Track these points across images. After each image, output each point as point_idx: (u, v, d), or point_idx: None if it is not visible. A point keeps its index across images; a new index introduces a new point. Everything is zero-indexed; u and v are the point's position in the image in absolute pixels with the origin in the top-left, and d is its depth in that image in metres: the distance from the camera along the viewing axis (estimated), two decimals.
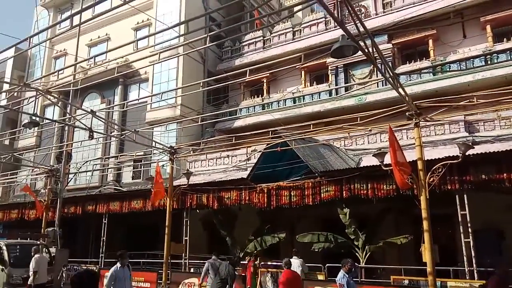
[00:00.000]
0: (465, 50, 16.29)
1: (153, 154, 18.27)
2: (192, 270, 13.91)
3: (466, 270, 9.48)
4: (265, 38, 22.56)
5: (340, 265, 7.43)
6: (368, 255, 11.81)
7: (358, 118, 10.81)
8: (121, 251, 7.95)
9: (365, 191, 10.89)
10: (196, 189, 14.37)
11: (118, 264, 7.83)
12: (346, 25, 5.68)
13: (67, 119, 19.18)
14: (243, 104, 21.45)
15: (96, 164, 21.91)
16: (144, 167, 20.91)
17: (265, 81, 21.02)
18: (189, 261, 14.27)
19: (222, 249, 15.63)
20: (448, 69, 16.44)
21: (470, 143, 9.76)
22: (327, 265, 11.29)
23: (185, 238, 14.26)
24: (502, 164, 9.47)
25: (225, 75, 15.75)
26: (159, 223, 15.81)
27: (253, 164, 14.01)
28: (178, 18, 21.62)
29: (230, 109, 20.65)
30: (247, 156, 16.72)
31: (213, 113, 19.46)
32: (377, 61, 7.53)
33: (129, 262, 8.20)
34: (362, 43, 6.09)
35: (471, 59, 15.82)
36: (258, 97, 21.59)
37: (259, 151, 13.96)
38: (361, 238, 11.79)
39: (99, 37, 26.09)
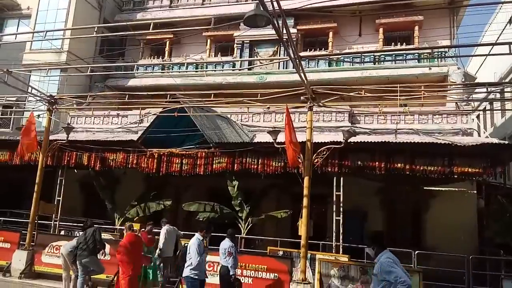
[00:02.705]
0: (359, 47, 17.71)
1: (28, 101, 16.02)
2: (62, 232, 12.79)
3: (333, 245, 10.54)
4: None
5: (226, 234, 7.65)
6: (249, 226, 12.29)
7: (259, 94, 10.96)
8: (207, 225, 7.28)
9: (255, 166, 11.23)
10: (77, 146, 13.09)
11: (199, 236, 6.96)
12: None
13: None
14: (141, 63, 20.09)
15: None
16: (15, 115, 18.25)
17: (168, 42, 19.96)
18: (60, 223, 13.08)
19: (101, 213, 14.73)
20: (342, 63, 17.73)
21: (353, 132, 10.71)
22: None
23: (58, 198, 13.00)
24: (376, 154, 10.62)
25: (125, 23, 14.36)
26: (28, 180, 14.09)
27: (146, 127, 13.27)
28: None
29: (126, 63, 19.12)
30: (140, 118, 15.76)
31: (106, 65, 17.78)
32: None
33: None
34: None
35: (362, 57, 17.32)
36: (158, 58, 20.45)
37: (154, 114, 13.28)
38: (245, 210, 12.18)
39: None
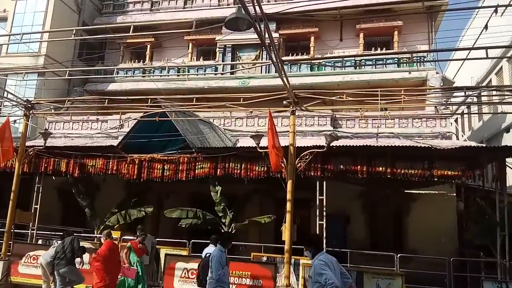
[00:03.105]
0: (340, 52, 17.89)
1: (4, 106, 15.57)
2: (40, 241, 12.41)
3: None
4: (153, 0, 21.12)
5: (209, 241, 7.59)
6: (233, 232, 12.16)
7: (241, 99, 10.91)
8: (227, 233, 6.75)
9: (238, 171, 11.15)
10: (55, 152, 12.76)
11: (222, 248, 6.64)
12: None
13: None
14: (121, 67, 19.78)
15: None
16: None
17: (148, 46, 19.72)
18: (38, 232, 12.69)
19: (80, 221, 14.38)
20: (324, 67, 17.87)
21: (335, 136, 10.75)
22: (193, 241, 11.27)
23: (35, 206, 12.63)
24: (357, 158, 10.69)
25: (104, 26, 14.13)
26: (4, 187, 13.65)
27: (126, 132, 13.03)
28: None
29: (105, 68, 18.78)
30: (120, 123, 15.47)
31: (84, 68, 17.42)
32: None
33: None
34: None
35: (343, 61, 17.52)
36: (139, 62, 20.20)
37: (135, 119, 13.05)
38: (228, 216, 12.05)
39: None
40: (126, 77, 19.71)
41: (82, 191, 13.82)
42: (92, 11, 21.22)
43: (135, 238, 9.48)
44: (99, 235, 12.09)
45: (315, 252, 4.79)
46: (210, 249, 7.73)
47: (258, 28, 6.24)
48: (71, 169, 12.77)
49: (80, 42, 19.95)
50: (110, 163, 12.45)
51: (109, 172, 12.58)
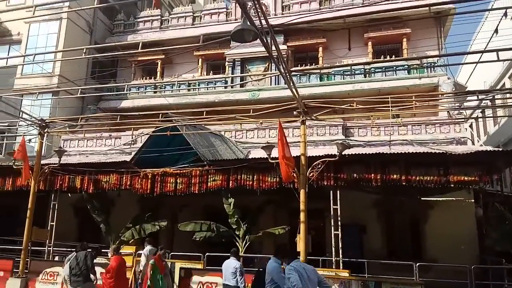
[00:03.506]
0: (348, 61, 17.86)
1: (19, 126, 15.92)
2: (56, 258, 12.51)
3: (333, 260, 10.35)
4: (163, 18, 21.55)
5: (229, 253, 7.94)
6: (247, 244, 12.09)
7: (251, 110, 10.94)
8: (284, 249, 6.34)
9: (251, 182, 11.13)
10: (69, 169, 12.94)
11: (277, 260, 6.02)
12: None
13: None
14: (132, 84, 20.12)
15: None
16: (7, 140, 18.09)
17: (159, 63, 20.05)
18: (54, 249, 12.81)
19: (95, 237, 14.47)
20: (333, 77, 17.87)
21: (347, 144, 10.67)
22: (207, 254, 11.22)
23: (51, 223, 12.78)
24: (371, 166, 10.57)
25: (114, 44, 14.45)
26: (21, 206, 13.87)
27: (139, 148, 13.17)
28: None
29: (118, 85, 19.11)
30: (132, 139, 15.66)
31: (96, 86, 17.76)
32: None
33: None
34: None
35: (353, 70, 17.48)
36: (150, 78, 20.52)
37: (147, 134, 13.20)
38: (242, 228, 12.00)
39: None
40: (138, 93, 20.02)
41: (97, 207, 13.95)
42: (103, 31, 21.72)
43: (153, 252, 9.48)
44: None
45: (290, 260, 5.17)
46: (231, 262, 7.78)
47: (265, 40, 6.29)
48: (85, 185, 12.93)
49: (92, 61, 20.40)
50: (124, 178, 12.58)
51: (123, 188, 12.69)
